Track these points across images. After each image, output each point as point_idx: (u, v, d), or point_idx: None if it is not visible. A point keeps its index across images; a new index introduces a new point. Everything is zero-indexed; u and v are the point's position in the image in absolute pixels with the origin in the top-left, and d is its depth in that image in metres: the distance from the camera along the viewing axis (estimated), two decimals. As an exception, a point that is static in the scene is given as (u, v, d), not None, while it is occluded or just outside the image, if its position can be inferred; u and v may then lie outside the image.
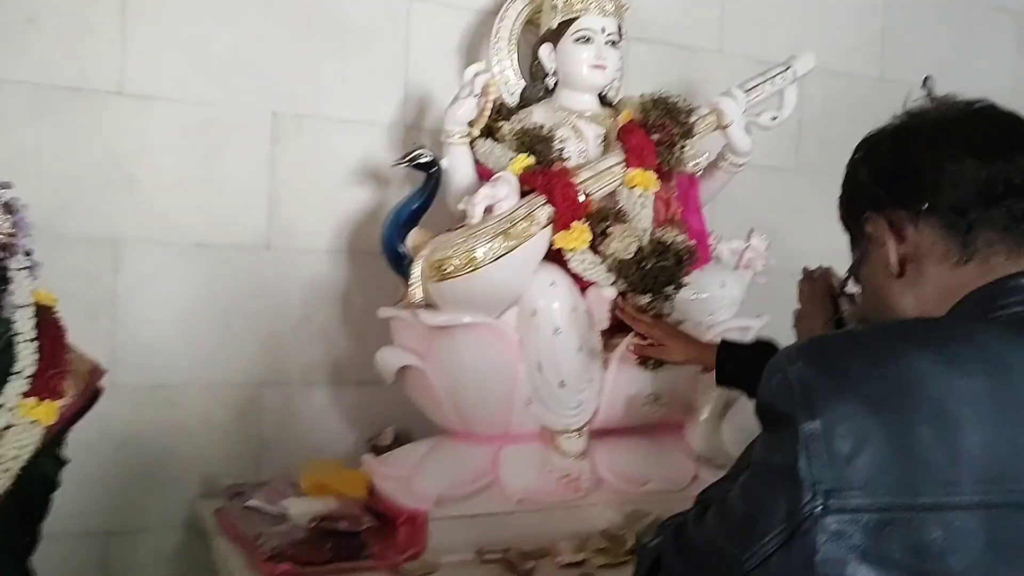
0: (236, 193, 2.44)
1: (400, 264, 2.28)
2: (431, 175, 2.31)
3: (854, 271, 1.22)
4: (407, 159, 2.30)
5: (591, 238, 2.13)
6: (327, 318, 2.56)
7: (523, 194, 2.15)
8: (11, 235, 1.92)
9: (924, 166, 1.07)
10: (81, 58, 2.26)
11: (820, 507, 0.89)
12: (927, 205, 1.06)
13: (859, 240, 1.18)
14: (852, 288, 1.29)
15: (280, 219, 2.49)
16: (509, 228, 2.04)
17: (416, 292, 2.09)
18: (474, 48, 2.68)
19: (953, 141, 1.06)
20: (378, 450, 2.45)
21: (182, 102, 2.37)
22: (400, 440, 2.50)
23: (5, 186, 1.94)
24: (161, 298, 2.36)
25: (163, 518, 2.38)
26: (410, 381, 2.21)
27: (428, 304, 2.12)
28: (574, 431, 2.15)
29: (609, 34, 2.35)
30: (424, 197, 2.32)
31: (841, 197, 1.23)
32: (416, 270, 2.10)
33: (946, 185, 1.05)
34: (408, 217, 2.31)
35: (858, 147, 1.20)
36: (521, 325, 2.10)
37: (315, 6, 2.51)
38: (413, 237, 2.26)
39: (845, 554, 0.88)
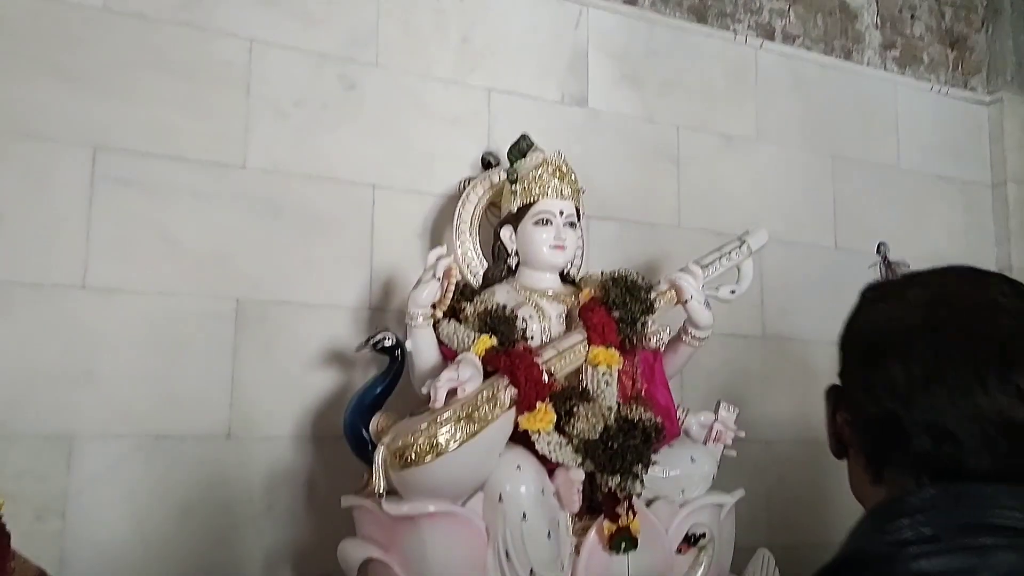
0: (198, 382, 2.42)
1: (364, 449, 2.23)
2: (394, 358, 2.31)
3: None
4: (370, 343, 2.30)
5: (556, 418, 2.11)
6: (290, 507, 2.48)
7: (487, 375, 2.14)
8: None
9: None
10: (44, 253, 2.28)
11: None
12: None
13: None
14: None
15: (242, 406, 2.46)
16: (472, 412, 2.01)
17: (378, 480, 2.03)
18: (437, 231, 2.74)
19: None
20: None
21: (145, 294, 2.38)
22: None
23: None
24: (115, 495, 2.28)
25: None
26: (374, 575, 2.11)
27: (391, 492, 2.06)
28: (547, 623, 2.04)
29: (567, 216, 2.41)
30: (387, 381, 2.31)
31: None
32: (378, 457, 2.05)
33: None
34: (372, 401, 2.28)
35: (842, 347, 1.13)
36: (487, 511, 2.03)
37: (282, 197, 2.57)
38: (377, 421, 2.22)
39: None
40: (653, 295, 2.36)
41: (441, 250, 2.30)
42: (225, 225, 2.50)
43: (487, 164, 2.82)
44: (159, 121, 2.44)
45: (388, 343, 2.30)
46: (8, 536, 1.91)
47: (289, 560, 2.45)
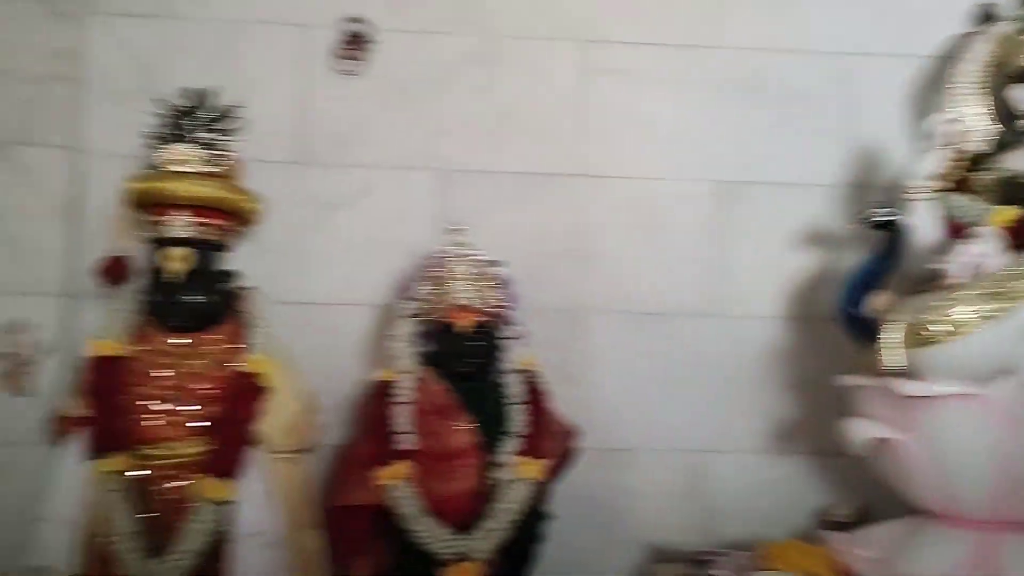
0: (682, 262, 2.51)
1: (858, 329, 2.16)
2: (892, 234, 2.18)
3: None
4: (866, 219, 2.19)
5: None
6: (776, 385, 2.50)
7: (1010, 249, 1.94)
8: (504, 307, 2.15)
9: None
10: (549, 145, 2.48)
11: None
12: None
13: None
14: None
15: (726, 287, 2.51)
16: (1000, 289, 1.85)
17: (889, 358, 1.96)
18: (927, 97, 2.50)
19: None
20: (835, 526, 2.31)
21: (631, 179, 2.50)
22: (861, 516, 2.34)
23: (497, 264, 2.19)
24: (617, 364, 2.48)
25: (615, 576, 2.46)
26: (882, 454, 2.06)
27: (901, 372, 1.97)
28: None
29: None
30: (884, 258, 2.19)
31: None
32: (887, 335, 1.97)
33: None
34: (866, 280, 2.19)
35: None
36: (1017, 398, 1.87)
37: (758, 76, 2.53)
38: (877, 300, 2.13)
39: None
40: None
41: (942, 116, 2.11)
42: (702, 106, 2.52)
43: (986, 18, 2.49)
44: (640, 10, 2.51)
45: (885, 218, 2.17)
46: (547, 394, 2.19)
47: (775, 437, 2.49)
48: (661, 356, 2.49)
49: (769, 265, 2.51)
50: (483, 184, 2.46)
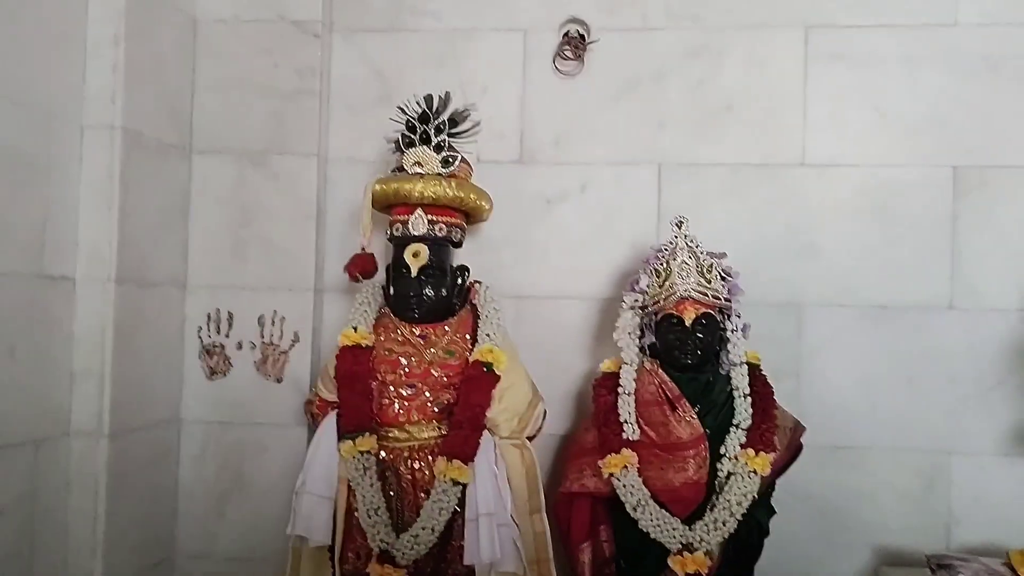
0: (916, 252, 2.39)
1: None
2: None
3: None
4: None
5: None
6: (1020, 383, 2.33)
7: None
8: (728, 299, 2.14)
9: None
10: (767, 134, 2.45)
11: None
12: None
13: None
14: None
15: (964, 277, 2.37)
16: None
17: None
18: None
19: None
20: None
21: (860, 166, 2.41)
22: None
23: (721, 256, 2.18)
24: (842, 359, 2.40)
25: (846, 580, 2.38)
26: None
27: None
28: None
29: None
30: None
31: None
32: None
33: None
34: None
35: None
36: None
37: (998, 52, 2.37)
38: None
39: None
40: None
41: None
42: (937, 88, 2.40)
43: None
44: (868, -8, 2.42)
45: None
46: (771, 387, 2.15)
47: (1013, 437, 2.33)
48: (891, 351, 2.39)
49: (1013, 254, 2.35)
50: (703, 176, 2.46)
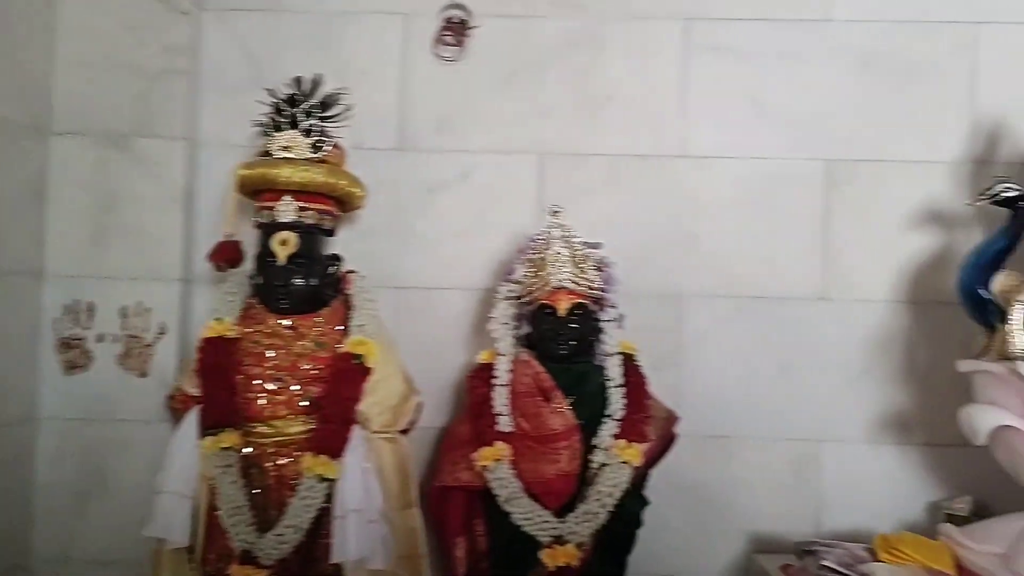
0: (791, 244, 2.43)
1: (983, 310, 2.05)
2: (1018, 211, 2.05)
3: None
4: (988, 195, 2.07)
5: None
6: (889, 372, 2.40)
7: None
8: (602, 290, 2.13)
9: None
10: (647, 126, 2.44)
11: None
12: None
13: None
14: None
15: (837, 269, 2.42)
16: None
17: (1018, 341, 1.84)
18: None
19: None
20: (955, 519, 2.20)
21: (739, 158, 2.43)
22: (979, 510, 2.22)
23: (596, 246, 2.17)
24: (721, 350, 2.42)
25: (718, 566, 2.40)
26: (1004, 443, 1.94)
27: (1025, 356, 1.86)
28: None
29: None
30: (1010, 236, 2.07)
31: None
32: (1015, 317, 1.85)
33: None
34: (991, 259, 2.07)
35: None
36: None
37: (874, 48, 2.42)
38: (1001, 281, 2.01)
39: None
40: None
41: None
42: (813, 83, 2.43)
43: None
44: (744, -16, 2.44)
45: (1011, 193, 2.05)
46: (645, 378, 2.16)
47: (888, 426, 2.39)
48: (767, 342, 2.42)
49: (883, 246, 2.40)
50: (584, 167, 2.44)
